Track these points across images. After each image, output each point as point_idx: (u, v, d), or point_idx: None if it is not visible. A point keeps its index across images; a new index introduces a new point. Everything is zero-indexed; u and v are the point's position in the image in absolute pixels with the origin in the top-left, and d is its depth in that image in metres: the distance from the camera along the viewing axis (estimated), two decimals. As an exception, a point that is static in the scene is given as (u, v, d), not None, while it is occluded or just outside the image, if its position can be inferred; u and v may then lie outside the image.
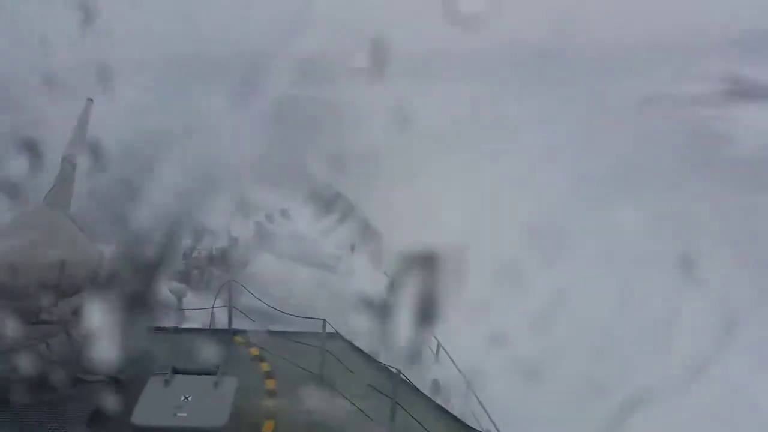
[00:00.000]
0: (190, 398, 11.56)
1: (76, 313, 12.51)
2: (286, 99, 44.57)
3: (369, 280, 21.26)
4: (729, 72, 55.14)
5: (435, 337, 15.65)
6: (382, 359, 15.26)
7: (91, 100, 15.37)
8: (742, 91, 52.66)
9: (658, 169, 35.00)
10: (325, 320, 14.55)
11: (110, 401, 11.91)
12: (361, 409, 13.01)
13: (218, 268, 19.81)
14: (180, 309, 17.20)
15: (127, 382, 12.70)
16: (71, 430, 12.05)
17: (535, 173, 30.31)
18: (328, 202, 26.33)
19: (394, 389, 12.73)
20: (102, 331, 12.43)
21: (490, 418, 12.59)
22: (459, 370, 14.26)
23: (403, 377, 13.14)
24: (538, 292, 19.26)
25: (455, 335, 15.56)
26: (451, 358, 14.87)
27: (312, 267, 22.02)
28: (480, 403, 13.24)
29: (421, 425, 12.38)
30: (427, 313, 13.94)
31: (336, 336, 15.51)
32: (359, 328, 17.96)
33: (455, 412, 13.68)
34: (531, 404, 15.66)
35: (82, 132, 14.71)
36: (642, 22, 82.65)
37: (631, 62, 61.04)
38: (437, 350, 15.74)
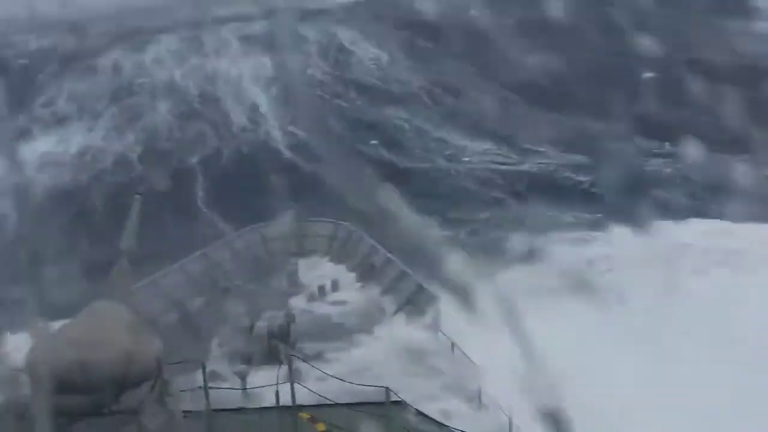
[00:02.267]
0: None
1: (143, 403, 12.64)
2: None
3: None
4: None
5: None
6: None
7: (140, 195, 15.48)
8: None
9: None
10: (387, 388, 14.41)
11: None
12: None
13: (280, 344, 19.88)
14: (243, 389, 17.25)
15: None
16: None
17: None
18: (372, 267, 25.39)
19: None
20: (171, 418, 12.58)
21: None
22: None
23: None
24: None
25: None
26: None
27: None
28: None
29: None
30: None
31: (402, 404, 15.37)
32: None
33: None
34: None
35: (132, 228, 15.04)
36: None
37: None
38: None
